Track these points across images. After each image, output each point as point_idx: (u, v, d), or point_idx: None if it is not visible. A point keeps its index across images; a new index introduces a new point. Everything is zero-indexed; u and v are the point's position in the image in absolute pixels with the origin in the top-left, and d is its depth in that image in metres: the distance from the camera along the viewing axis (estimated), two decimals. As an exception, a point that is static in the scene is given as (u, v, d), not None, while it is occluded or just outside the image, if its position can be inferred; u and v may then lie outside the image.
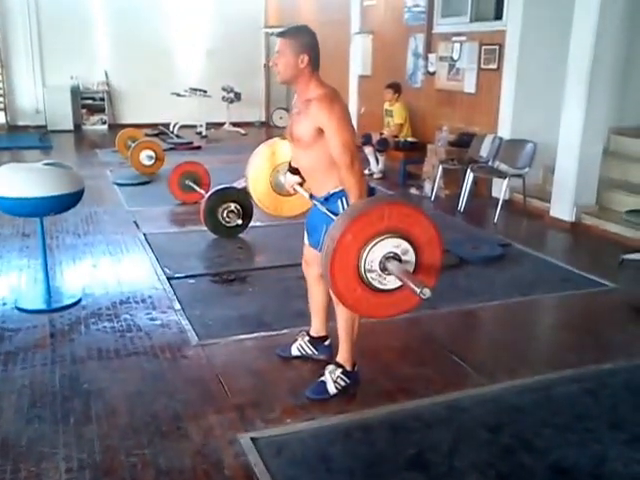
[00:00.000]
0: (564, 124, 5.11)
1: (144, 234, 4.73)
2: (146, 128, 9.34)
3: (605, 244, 4.75)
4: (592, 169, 5.12)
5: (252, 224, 4.72)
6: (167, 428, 2.29)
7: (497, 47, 6.01)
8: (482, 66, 6.25)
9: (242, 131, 10.58)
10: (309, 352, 2.82)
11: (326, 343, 2.82)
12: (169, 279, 3.80)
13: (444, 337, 3.15)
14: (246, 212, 4.62)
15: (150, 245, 4.46)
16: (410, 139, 7.02)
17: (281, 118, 11.69)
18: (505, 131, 5.87)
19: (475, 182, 5.80)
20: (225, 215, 4.58)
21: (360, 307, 2.05)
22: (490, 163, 5.78)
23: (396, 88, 7.03)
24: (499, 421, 2.39)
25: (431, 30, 7.04)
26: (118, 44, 10.73)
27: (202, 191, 5.24)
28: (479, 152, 5.93)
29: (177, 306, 3.41)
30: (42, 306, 3.36)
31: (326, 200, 2.40)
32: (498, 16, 6.08)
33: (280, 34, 2.30)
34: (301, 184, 2.60)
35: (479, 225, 5.35)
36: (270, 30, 11.43)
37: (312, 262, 2.64)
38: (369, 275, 1.92)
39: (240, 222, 4.61)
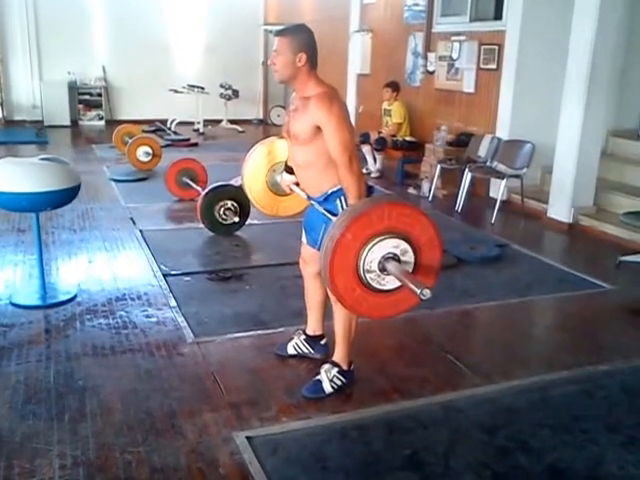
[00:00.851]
0: (563, 125, 5.11)
1: (140, 230, 4.71)
2: (143, 124, 9.28)
3: (602, 246, 4.75)
4: (590, 170, 5.13)
5: (249, 222, 4.70)
6: (162, 426, 2.28)
7: (496, 47, 6.01)
8: (481, 66, 6.24)
9: (239, 128, 10.56)
10: (305, 351, 2.81)
11: (322, 342, 2.81)
12: (165, 276, 3.78)
13: (440, 337, 3.14)
14: (243, 210, 4.61)
15: (146, 242, 4.45)
16: (408, 138, 7.01)
17: (279, 116, 11.66)
18: (503, 131, 5.87)
19: (473, 182, 5.80)
20: (222, 212, 4.57)
21: (359, 307, 2.05)
22: (488, 163, 5.78)
23: (395, 87, 7.03)
24: (495, 422, 2.38)
25: (431, 29, 7.03)
26: (116, 39, 10.68)
27: (199, 188, 5.23)
28: (477, 152, 5.93)
29: (173, 303, 3.40)
30: (37, 302, 3.34)
31: (325, 200, 2.39)
32: (498, 16, 6.07)
33: (278, 33, 2.30)
34: (297, 184, 2.58)
35: (476, 225, 5.35)
36: (269, 27, 11.40)
37: (309, 260, 2.64)
38: (368, 275, 1.92)
39: (237, 220, 4.59)
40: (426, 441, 2.25)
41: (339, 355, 2.57)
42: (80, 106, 10.69)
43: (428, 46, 7.07)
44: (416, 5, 7.24)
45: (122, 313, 3.26)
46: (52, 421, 2.28)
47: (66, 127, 10.26)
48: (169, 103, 10.29)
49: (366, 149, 7.11)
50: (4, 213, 4.39)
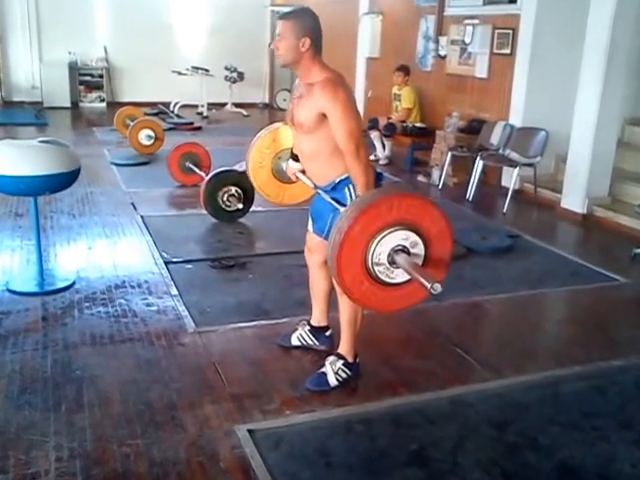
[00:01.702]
0: (578, 113, 5.02)
1: (141, 216, 4.67)
2: (146, 107, 9.19)
3: (617, 237, 4.68)
4: (606, 160, 5.04)
5: (253, 209, 4.65)
6: (161, 418, 2.25)
7: (511, 31, 5.89)
8: (495, 51, 6.14)
9: (244, 112, 10.46)
10: (310, 342, 2.77)
11: (327, 333, 2.77)
12: (166, 263, 3.74)
13: (449, 330, 3.10)
14: (247, 196, 4.55)
15: (148, 228, 4.40)
16: (418, 124, 6.91)
17: (285, 100, 11.54)
18: (517, 118, 5.77)
19: (484, 170, 5.72)
20: (226, 199, 4.51)
21: (367, 301, 2.01)
22: (500, 151, 5.68)
23: (406, 71, 6.92)
24: (504, 418, 2.35)
25: (443, 12, 6.89)
26: (118, 19, 10.53)
27: (202, 173, 5.18)
28: (489, 139, 5.84)
29: (174, 291, 3.36)
30: (34, 289, 3.30)
31: (332, 189, 2.35)
32: (512, -1, 5.96)
33: (281, 16, 2.25)
34: (304, 171, 2.54)
35: (488, 215, 5.29)
36: (275, 8, 11.24)
37: (315, 249, 2.60)
38: (377, 268, 1.88)
39: (241, 206, 4.54)
40: (433, 436, 2.22)
41: (344, 347, 2.53)
42: (81, 87, 10.59)
43: (440, 29, 6.94)
44: (428, -13, 7.10)
45: (122, 301, 3.22)
46: (48, 412, 2.26)
47: (66, 109, 10.16)
48: (172, 85, 10.19)
49: (375, 135, 7.03)
50: (1, 197, 4.35)
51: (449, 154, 5.94)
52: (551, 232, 4.96)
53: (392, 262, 1.88)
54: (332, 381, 2.48)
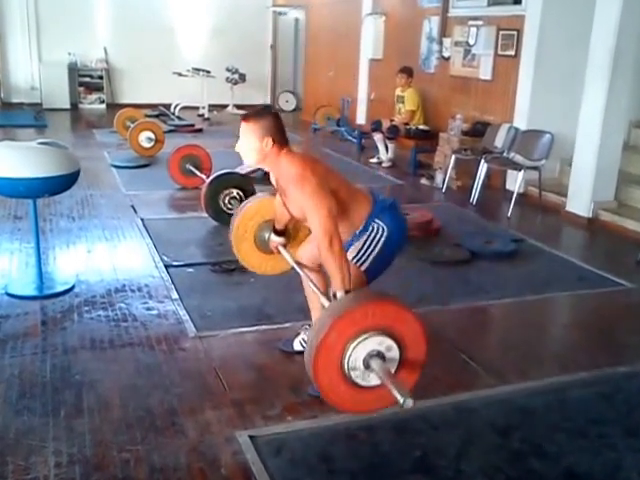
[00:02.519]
0: (583, 115, 5.00)
1: (142, 219, 4.65)
2: (146, 108, 9.20)
3: (623, 242, 4.65)
4: (611, 163, 5.01)
5: (254, 211, 4.63)
6: (162, 423, 2.24)
7: (515, 32, 5.87)
8: (499, 52, 6.11)
9: (246, 114, 10.44)
10: (311, 347, 2.74)
11: (329, 338, 2.73)
12: (167, 267, 3.73)
13: (453, 334, 3.09)
14: (248, 199, 4.51)
15: (148, 231, 4.38)
16: (422, 127, 6.89)
17: (287, 101, 11.55)
18: (521, 121, 5.75)
19: (488, 174, 5.71)
20: (227, 201, 4.48)
21: (344, 404, 2.04)
22: (505, 154, 5.66)
23: (409, 73, 6.89)
24: (509, 424, 2.33)
25: (447, 13, 6.88)
26: (118, 20, 10.53)
27: (203, 176, 5.16)
28: (494, 142, 5.82)
29: (175, 295, 3.34)
30: (33, 292, 3.29)
31: (359, 234, 2.35)
32: (517, 0, 5.94)
33: (242, 118, 2.27)
34: (285, 245, 2.61)
35: (492, 219, 5.26)
36: (278, 9, 11.22)
37: (302, 257, 2.59)
38: (353, 373, 1.92)
39: (241, 209, 4.51)
40: (437, 443, 2.20)
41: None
42: (80, 89, 10.60)
43: (444, 31, 6.93)
44: (432, -13, 7.08)
45: (122, 305, 3.20)
46: (48, 417, 2.24)
47: (66, 110, 10.16)
48: (173, 87, 10.18)
49: (378, 137, 7.02)
50: (0, 199, 4.32)
51: (453, 157, 5.92)
52: (556, 236, 4.93)
53: (368, 366, 1.91)
54: (334, 387, 2.46)
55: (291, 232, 2.69)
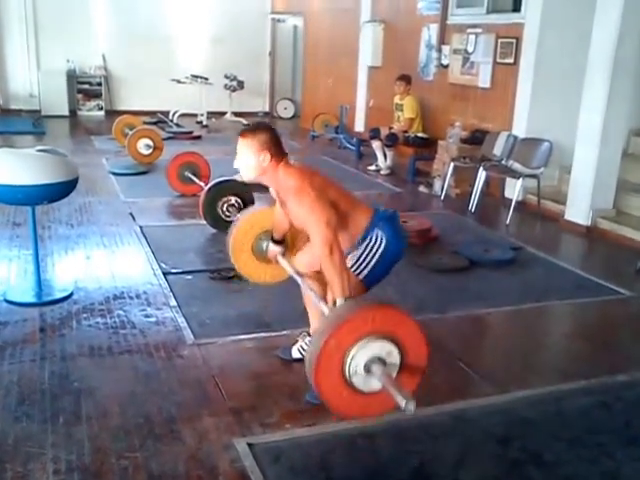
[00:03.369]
0: (582, 123, 5.00)
1: (140, 226, 4.64)
2: (144, 115, 9.19)
3: (622, 250, 4.65)
4: (610, 171, 5.00)
5: (252, 219, 4.63)
6: (160, 431, 2.23)
7: (514, 41, 5.88)
8: (498, 60, 6.12)
9: (244, 121, 10.41)
10: (310, 354, 2.74)
11: (328, 345, 2.73)
12: (165, 274, 3.72)
13: (452, 343, 3.08)
14: (247, 206, 4.48)
15: (146, 238, 4.38)
16: (420, 134, 6.90)
17: (285, 109, 11.56)
18: (520, 129, 5.76)
19: (487, 181, 5.71)
20: (225, 209, 4.48)
21: (347, 410, 2.04)
22: (504, 162, 5.66)
23: (408, 81, 6.90)
24: (507, 433, 2.33)
25: (445, 21, 6.89)
26: (117, 27, 10.54)
27: (201, 183, 5.16)
28: (492, 150, 5.82)
29: (173, 303, 3.34)
30: (32, 299, 3.28)
31: (362, 240, 2.37)
32: (516, 8, 5.96)
33: (239, 134, 2.29)
34: (283, 254, 2.62)
35: (490, 227, 5.26)
36: (277, 16, 11.26)
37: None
38: (354, 379, 1.93)
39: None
40: (435, 452, 2.20)
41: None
42: (79, 96, 10.58)
43: (442, 38, 6.94)
44: (431, -5, 7.10)
45: (120, 312, 3.19)
46: (46, 424, 2.24)
47: (64, 117, 10.15)
48: (171, 94, 10.18)
49: (376, 145, 7.02)
50: (-1, 206, 4.31)
51: (451, 165, 5.92)
52: (555, 244, 4.93)
53: (369, 371, 1.92)
54: (333, 394, 2.46)
55: (289, 241, 2.69)
